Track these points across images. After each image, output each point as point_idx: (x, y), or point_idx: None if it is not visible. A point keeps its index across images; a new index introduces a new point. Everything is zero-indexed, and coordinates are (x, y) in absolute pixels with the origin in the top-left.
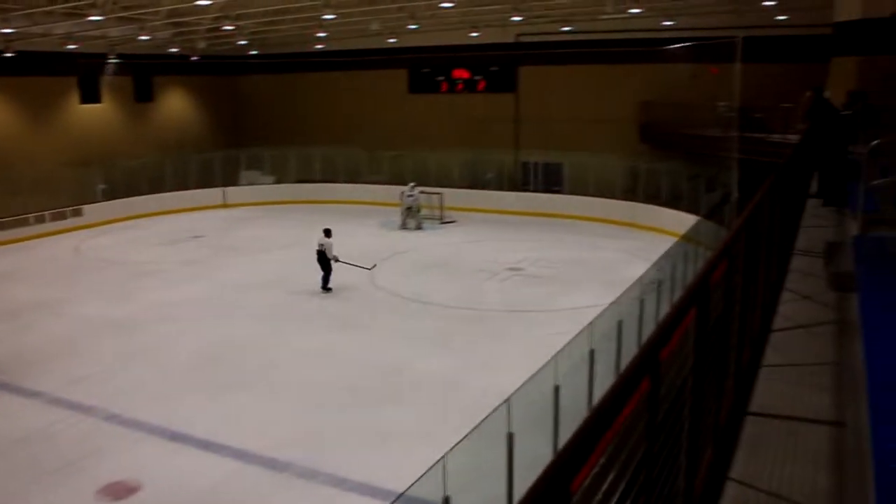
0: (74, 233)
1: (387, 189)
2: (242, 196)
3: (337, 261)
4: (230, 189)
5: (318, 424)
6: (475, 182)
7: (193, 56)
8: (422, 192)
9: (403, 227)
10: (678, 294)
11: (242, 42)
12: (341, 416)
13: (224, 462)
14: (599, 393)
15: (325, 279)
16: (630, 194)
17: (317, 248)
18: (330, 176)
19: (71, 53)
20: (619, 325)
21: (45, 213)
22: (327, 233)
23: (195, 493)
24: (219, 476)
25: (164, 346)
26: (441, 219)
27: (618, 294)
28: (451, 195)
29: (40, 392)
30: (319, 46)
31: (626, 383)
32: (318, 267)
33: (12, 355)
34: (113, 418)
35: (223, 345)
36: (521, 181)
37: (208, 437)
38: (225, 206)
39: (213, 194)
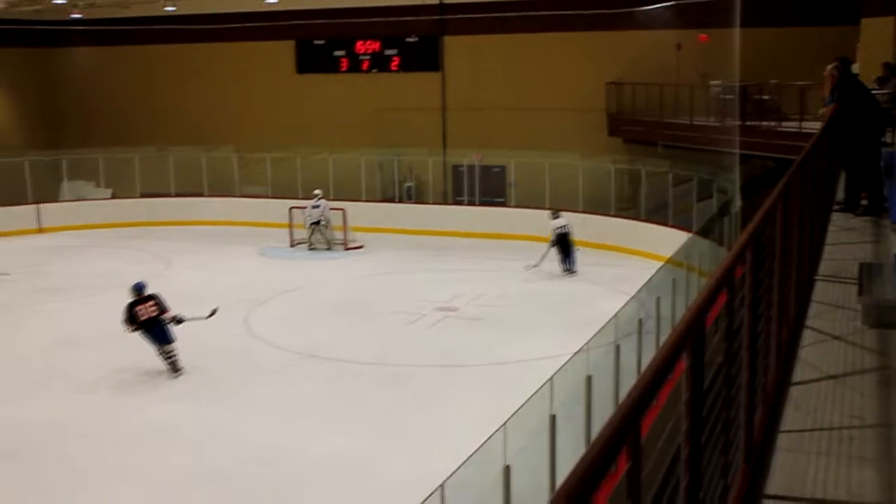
0: None
1: (268, 204)
2: (65, 217)
3: (178, 321)
4: (47, 206)
5: None
6: (389, 194)
7: None
8: (326, 209)
9: (311, 247)
10: (665, 336)
11: (60, 1)
12: None
13: None
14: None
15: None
16: (597, 205)
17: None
18: (190, 188)
19: None
20: (589, 381)
21: None
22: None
23: None
24: None
25: None
26: (345, 244)
27: (585, 339)
28: (357, 211)
29: None
30: (170, 9)
31: (598, 460)
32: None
33: None
34: None
35: (31, 433)
36: (451, 191)
37: None
38: (40, 230)
39: (22, 214)
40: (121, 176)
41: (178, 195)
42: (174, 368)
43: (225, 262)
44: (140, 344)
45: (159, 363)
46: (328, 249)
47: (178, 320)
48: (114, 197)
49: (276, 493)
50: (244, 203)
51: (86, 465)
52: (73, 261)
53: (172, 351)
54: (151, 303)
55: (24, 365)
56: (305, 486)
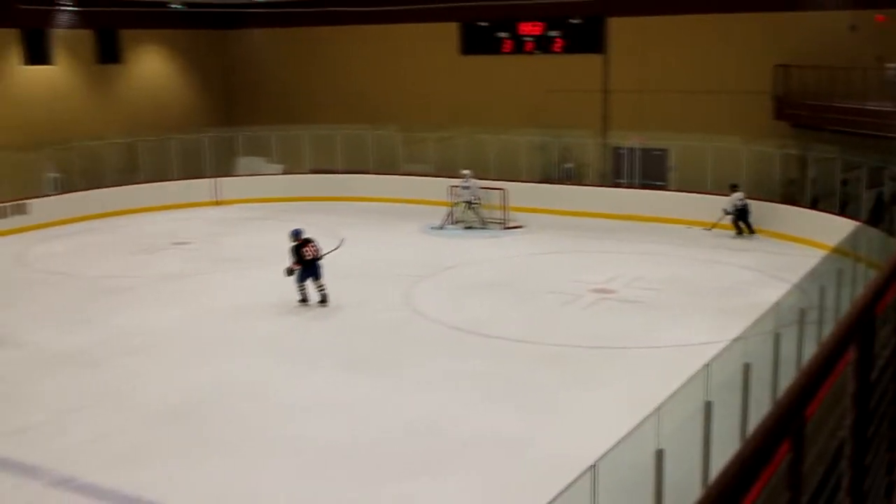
0: (16, 236)
1: (430, 182)
2: (240, 190)
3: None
4: (224, 181)
5: (323, 498)
6: (549, 175)
7: (174, 3)
8: (481, 189)
9: (466, 226)
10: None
11: None
12: (354, 489)
13: None
14: (719, 461)
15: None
16: (760, 190)
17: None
18: (356, 165)
19: None
20: (746, 369)
21: None
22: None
23: None
24: None
25: (131, 390)
26: (503, 223)
27: (742, 326)
28: (517, 192)
29: None
30: None
31: (757, 451)
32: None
33: None
34: (62, 484)
35: (206, 390)
36: (611, 173)
37: None
38: (217, 202)
39: (201, 188)
40: (291, 152)
41: (344, 172)
42: (326, 300)
43: (388, 237)
44: (308, 314)
45: (322, 338)
46: (483, 228)
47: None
48: (285, 172)
49: (430, 464)
50: (407, 181)
51: (250, 428)
52: (248, 232)
53: (325, 285)
54: (312, 245)
55: (198, 330)
56: (458, 460)
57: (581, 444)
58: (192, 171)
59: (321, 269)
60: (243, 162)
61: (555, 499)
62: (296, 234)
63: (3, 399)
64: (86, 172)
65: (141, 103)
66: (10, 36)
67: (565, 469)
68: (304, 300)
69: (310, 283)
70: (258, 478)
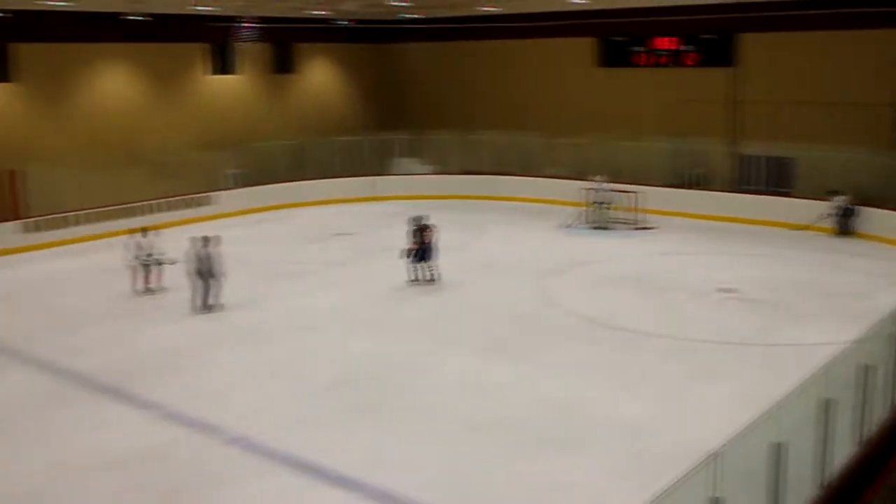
0: (202, 223)
1: (567, 184)
2: (395, 187)
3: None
4: (381, 179)
5: (468, 467)
6: (679, 180)
7: (341, 20)
8: (612, 191)
9: (598, 226)
10: None
11: (398, 3)
12: (495, 460)
13: (360, 502)
14: (838, 459)
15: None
16: (884, 200)
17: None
18: (500, 167)
19: (200, 16)
20: (865, 370)
21: (173, 199)
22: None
23: None
24: None
25: (299, 362)
26: (635, 223)
27: (861, 329)
28: (649, 195)
29: (157, 403)
30: (489, 9)
31: (878, 451)
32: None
33: (129, 360)
34: (235, 442)
35: (364, 364)
36: (738, 180)
37: (342, 473)
38: (375, 198)
39: (361, 184)
40: (442, 154)
41: (489, 173)
42: (435, 279)
43: (527, 234)
44: (454, 301)
45: (468, 322)
46: (611, 229)
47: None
48: (436, 173)
49: (562, 442)
50: (547, 183)
51: (403, 401)
52: (401, 225)
53: (435, 267)
54: (429, 230)
55: (358, 311)
56: (588, 440)
57: (702, 433)
58: (353, 169)
59: (434, 253)
60: (399, 162)
61: (676, 483)
62: (416, 220)
63: (193, 366)
64: (261, 169)
65: (309, 109)
66: (201, 49)
67: (686, 455)
68: (415, 279)
69: (421, 265)
70: (410, 446)
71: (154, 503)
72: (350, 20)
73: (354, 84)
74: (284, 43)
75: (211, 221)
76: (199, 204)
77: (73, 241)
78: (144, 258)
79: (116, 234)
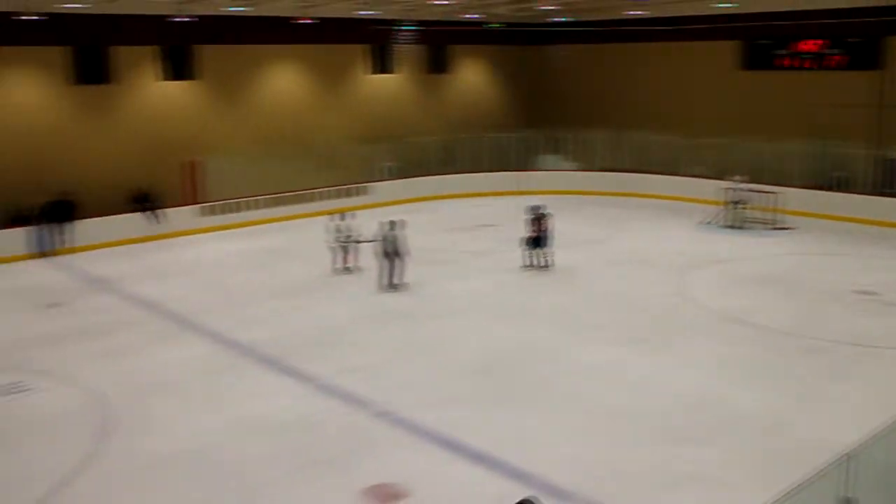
0: (360, 212)
1: (707, 184)
2: (539, 183)
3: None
4: (526, 174)
5: (603, 452)
6: (820, 182)
7: (492, 23)
8: (751, 191)
9: (734, 225)
10: None
11: (547, 7)
12: (629, 446)
13: (500, 480)
14: None
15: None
16: None
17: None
18: (641, 165)
19: (363, 20)
20: None
21: (332, 189)
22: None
23: None
24: (493, 495)
25: (446, 343)
26: (774, 224)
27: None
28: (789, 196)
29: (313, 376)
30: (636, 13)
31: None
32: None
33: (287, 334)
34: (385, 415)
35: (507, 349)
36: (881, 183)
37: (483, 451)
38: (519, 192)
39: (506, 179)
40: (585, 152)
41: (630, 171)
42: (549, 265)
43: (666, 231)
44: (594, 292)
45: (603, 314)
46: (747, 228)
47: None
48: (579, 169)
49: (694, 434)
50: (687, 181)
51: (543, 386)
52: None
53: (550, 254)
54: (545, 219)
55: (500, 298)
56: (719, 433)
57: (835, 433)
58: (500, 165)
59: (549, 240)
60: (543, 159)
61: (808, 480)
62: (534, 209)
63: (348, 343)
64: (414, 162)
65: (461, 107)
66: (362, 50)
67: (818, 454)
68: (529, 265)
69: (536, 251)
70: (546, 429)
71: (307, 468)
72: (501, 23)
73: (503, 84)
74: (439, 45)
75: (368, 210)
76: (358, 193)
77: (244, 225)
78: (343, 239)
79: (284, 218)
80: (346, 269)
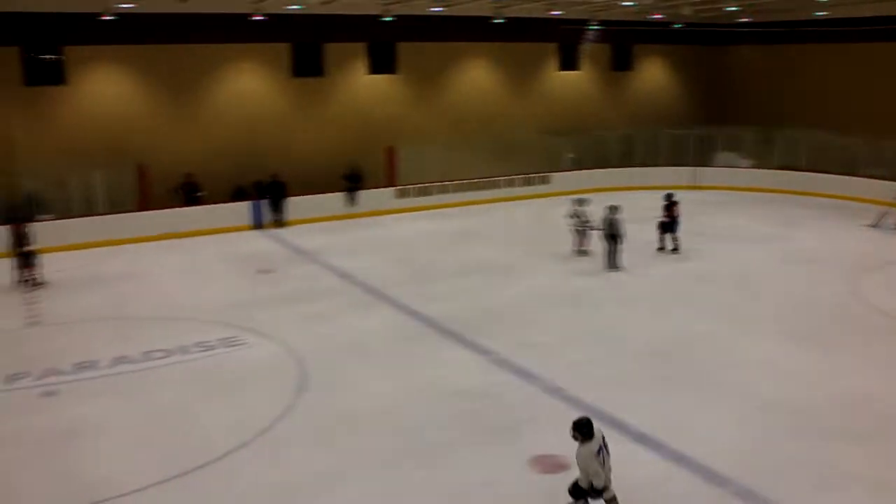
0: (539, 199)
1: (886, 185)
2: (714, 178)
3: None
4: (702, 170)
5: (761, 443)
6: None
7: (677, 23)
8: None
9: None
10: None
11: (732, 8)
12: (788, 440)
13: (658, 461)
14: None
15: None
16: None
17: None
18: (817, 165)
19: (553, 19)
20: None
21: (516, 177)
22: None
23: (627, 486)
24: (651, 474)
25: (618, 328)
26: None
27: None
28: None
29: (491, 350)
30: (821, 13)
31: None
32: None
33: (470, 310)
34: (555, 392)
35: (675, 337)
36: None
37: (645, 431)
38: (694, 187)
39: (683, 174)
40: (763, 150)
41: (807, 170)
42: (678, 250)
43: (840, 231)
44: (766, 289)
45: (769, 309)
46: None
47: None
48: (755, 167)
49: (851, 435)
50: (864, 182)
51: (709, 374)
52: (719, 213)
53: (679, 238)
54: (677, 206)
55: (672, 291)
56: (877, 435)
57: None
58: (677, 160)
59: (678, 226)
60: (720, 156)
61: None
62: (668, 196)
63: (527, 322)
64: (594, 155)
65: (642, 103)
66: (551, 48)
67: None
68: (661, 248)
69: (667, 236)
70: (707, 416)
71: (481, 434)
72: (685, 22)
73: (683, 82)
74: (623, 43)
75: (547, 198)
76: (539, 182)
77: (434, 207)
78: (580, 224)
79: (471, 203)
80: (582, 252)
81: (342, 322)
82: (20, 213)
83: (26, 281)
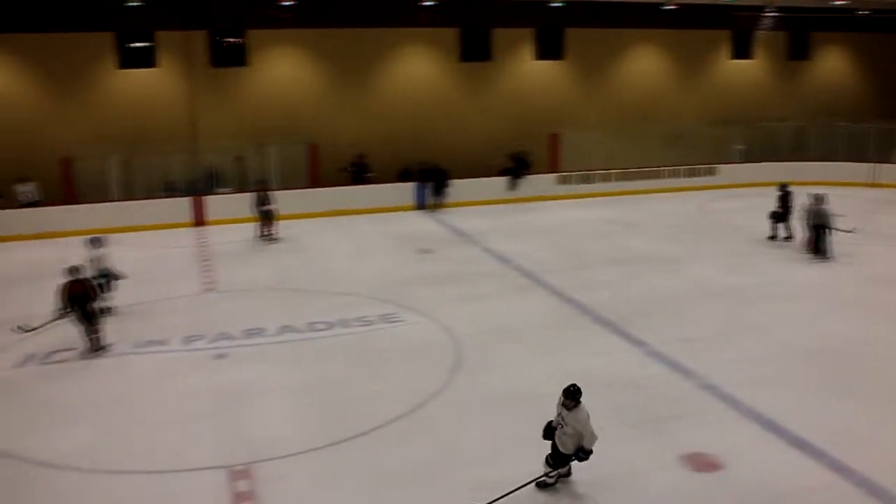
0: (704, 191)
1: None
2: (895, 176)
3: None
4: (882, 167)
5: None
6: None
7: (862, 9)
8: None
9: None
10: None
11: None
12: None
13: (817, 470)
14: None
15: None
16: None
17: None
18: None
19: (726, 5)
20: None
21: (680, 167)
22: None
23: (779, 493)
24: (807, 483)
25: (773, 327)
26: None
27: None
28: None
29: (644, 342)
30: None
31: None
32: None
33: (622, 301)
34: (709, 388)
35: (842, 340)
36: None
37: (804, 437)
38: (873, 184)
39: (861, 170)
40: None
41: None
42: (793, 236)
43: None
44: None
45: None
46: None
47: None
48: None
49: None
50: None
51: (870, 376)
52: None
53: (792, 227)
54: (790, 196)
55: (833, 288)
56: None
57: None
58: (855, 155)
59: (791, 216)
60: None
61: None
62: (782, 187)
63: (674, 313)
64: (765, 147)
65: (819, 94)
66: (724, 36)
67: None
68: (773, 236)
69: (779, 225)
70: (871, 424)
71: (632, 425)
72: (871, 10)
73: (865, 72)
74: (801, 31)
75: (712, 190)
76: (704, 174)
77: (595, 195)
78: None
79: (632, 192)
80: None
81: (498, 304)
82: (201, 186)
83: (265, 236)
